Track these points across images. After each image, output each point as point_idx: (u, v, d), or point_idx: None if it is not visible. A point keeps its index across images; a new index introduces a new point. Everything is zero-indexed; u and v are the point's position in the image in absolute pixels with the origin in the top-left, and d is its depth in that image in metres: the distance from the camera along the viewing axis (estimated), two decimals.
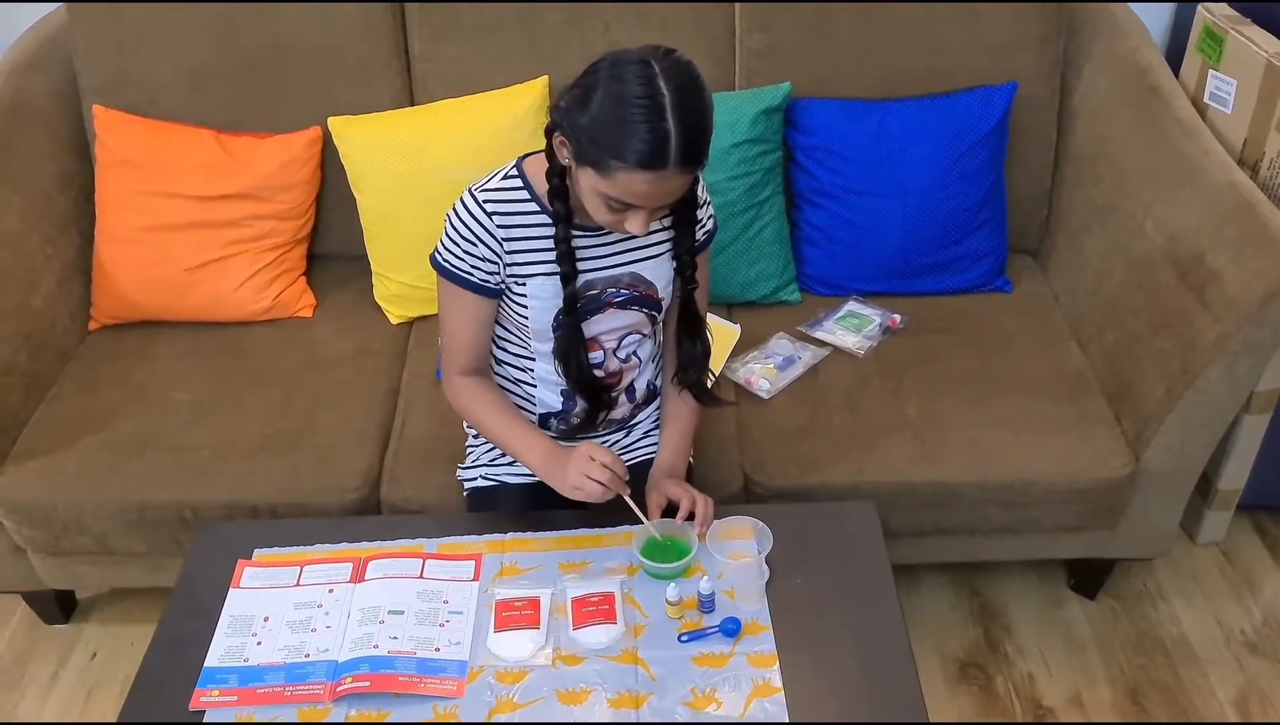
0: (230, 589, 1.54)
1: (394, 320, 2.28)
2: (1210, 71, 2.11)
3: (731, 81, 2.27)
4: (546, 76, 2.25)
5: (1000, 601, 2.21)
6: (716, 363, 2.06)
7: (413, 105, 2.33)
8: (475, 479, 1.78)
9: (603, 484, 1.49)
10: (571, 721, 1.36)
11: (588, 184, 1.39)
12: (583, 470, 1.50)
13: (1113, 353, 2.01)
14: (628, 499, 1.54)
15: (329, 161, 2.30)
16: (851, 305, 2.23)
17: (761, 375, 2.04)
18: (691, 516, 1.56)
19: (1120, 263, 2.05)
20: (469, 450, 1.84)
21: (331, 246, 2.39)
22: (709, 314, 2.14)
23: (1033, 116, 2.26)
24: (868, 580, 1.54)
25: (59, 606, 2.21)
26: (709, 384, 1.71)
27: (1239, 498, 2.22)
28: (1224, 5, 2.15)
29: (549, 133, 1.43)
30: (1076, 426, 1.94)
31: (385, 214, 2.24)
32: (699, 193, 1.57)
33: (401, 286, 2.26)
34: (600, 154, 1.33)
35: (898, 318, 2.18)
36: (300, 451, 1.94)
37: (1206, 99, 2.12)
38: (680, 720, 1.35)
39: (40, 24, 2.36)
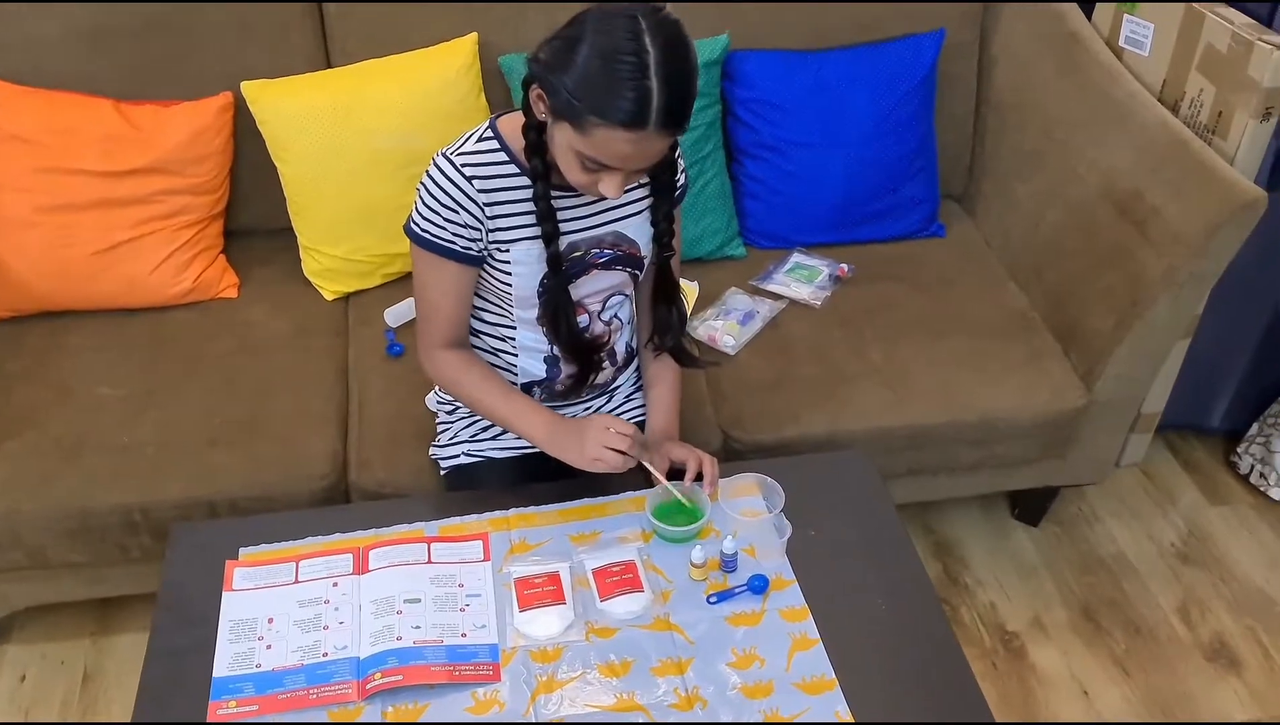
0: (224, 593, 1.43)
1: (329, 296, 2.16)
2: (1125, 16, 2.20)
3: None
4: (475, 34, 2.16)
5: (953, 536, 2.29)
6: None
7: (329, 67, 2.19)
8: (456, 457, 1.71)
9: (624, 453, 1.46)
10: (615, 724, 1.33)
11: (564, 141, 1.33)
12: (602, 441, 1.46)
13: (1055, 291, 2.10)
14: (649, 465, 1.51)
15: (242, 129, 2.15)
16: (797, 256, 2.25)
17: (725, 331, 2.04)
18: (699, 478, 1.55)
19: (1056, 206, 2.13)
20: (441, 427, 1.76)
21: (249, 220, 2.24)
22: None
23: (956, 64, 2.32)
24: (877, 526, 1.56)
25: None
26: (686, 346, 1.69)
27: (1158, 421, 2.36)
28: None
29: (526, 85, 1.36)
30: (1031, 363, 2.01)
31: (311, 184, 2.11)
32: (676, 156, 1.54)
33: (334, 260, 2.14)
34: (580, 110, 1.28)
35: (845, 267, 2.21)
36: (256, 441, 1.82)
37: (1122, 42, 2.22)
38: (730, 685, 1.34)
39: None
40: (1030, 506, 2.30)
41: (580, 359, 1.60)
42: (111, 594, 1.89)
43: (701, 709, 1.32)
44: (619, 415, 1.74)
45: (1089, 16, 2.29)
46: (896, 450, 1.94)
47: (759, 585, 1.45)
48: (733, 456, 1.90)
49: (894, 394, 1.94)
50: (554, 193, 1.46)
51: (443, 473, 1.74)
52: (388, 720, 1.31)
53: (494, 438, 1.69)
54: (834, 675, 1.35)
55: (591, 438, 1.47)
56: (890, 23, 2.25)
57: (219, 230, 2.19)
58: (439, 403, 1.77)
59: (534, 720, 1.30)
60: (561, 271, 1.50)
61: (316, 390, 1.94)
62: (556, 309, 1.52)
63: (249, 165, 2.17)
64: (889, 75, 2.21)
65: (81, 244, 2.02)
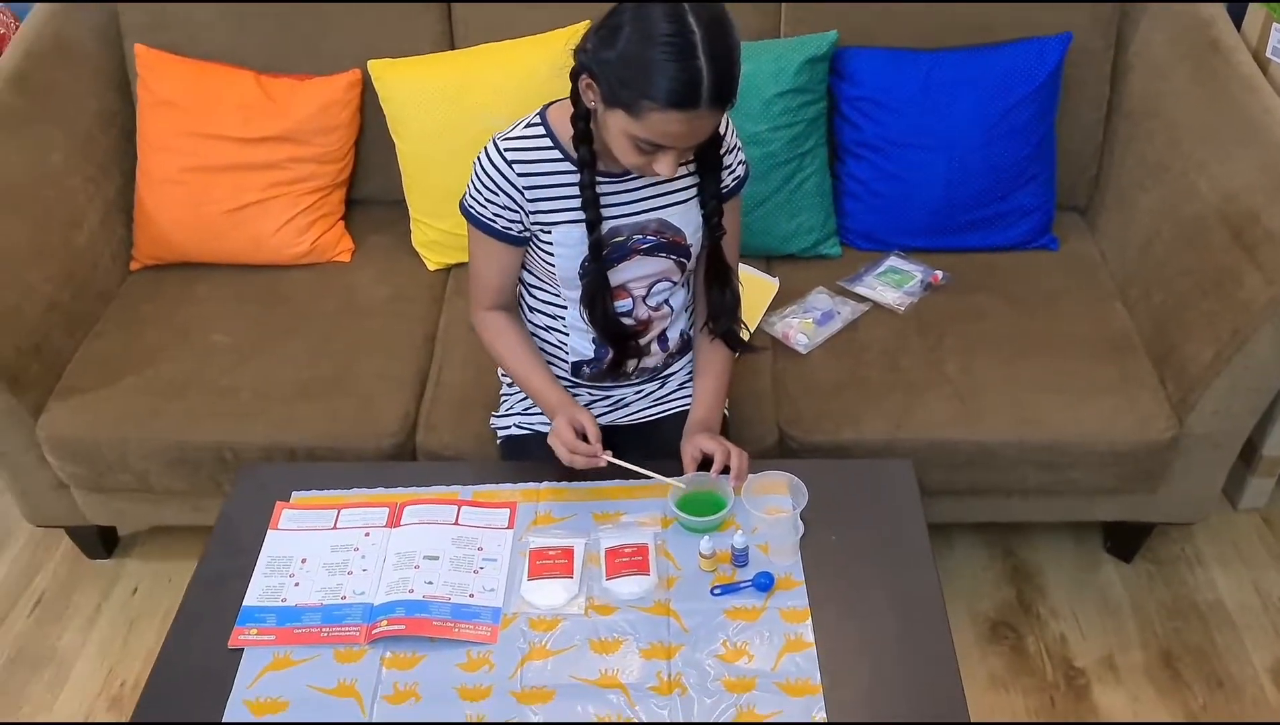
0: (269, 530, 1.56)
1: (431, 266, 2.28)
2: (1275, 25, 2.04)
3: (777, 29, 2.22)
4: (589, 21, 2.20)
5: (1034, 562, 2.19)
6: (753, 316, 2.06)
7: (453, 49, 2.30)
8: (509, 428, 1.79)
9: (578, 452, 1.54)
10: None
11: (618, 126, 1.37)
12: (556, 447, 1.55)
13: (1159, 313, 1.97)
14: (620, 463, 1.55)
15: (368, 105, 2.29)
16: (893, 260, 2.20)
17: (799, 330, 2.03)
18: (726, 470, 1.56)
19: (1171, 222, 2.00)
20: (503, 399, 1.84)
21: (369, 191, 2.38)
22: (748, 268, 2.15)
23: (1086, 70, 2.20)
24: (903, 539, 1.53)
25: (101, 542, 2.26)
26: (742, 333, 1.69)
27: None
28: None
29: (575, 76, 1.41)
30: (1120, 388, 1.90)
31: (424, 160, 2.23)
32: (727, 137, 1.55)
33: (439, 233, 2.25)
34: (631, 95, 1.31)
35: (939, 274, 2.15)
36: (338, 396, 1.96)
37: (1269, 54, 2.05)
38: (712, 677, 1.36)
39: None
40: (1124, 540, 2.17)
41: (614, 343, 1.64)
42: (209, 523, 2.06)
43: (680, 695, 1.34)
44: (671, 400, 1.77)
45: (1238, 26, 2.13)
46: (958, 466, 1.88)
47: (764, 583, 1.46)
48: (786, 454, 1.90)
49: (962, 407, 1.88)
50: (601, 177, 1.51)
51: (498, 442, 1.82)
52: (385, 665, 1.39)
53: (541, 412, 1.75)
54: (819, 680, 1.35)
55: (553, 433, 1.56)
56: (1012, 25, 2.16)
57: (340, 198, 2.34)
58: (503, 374, 1.85)
59: (517, 685, 1.36)
60: (602, 257, 1.54)
61: (403, 353, 2.05)
62: (594, 292, 1.57)
63: (372, 139, 2.31)
64: (1003, 78, 2.12)
65: (216, 202, 2.21)
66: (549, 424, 1.73)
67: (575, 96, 1.43)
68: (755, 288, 2.11)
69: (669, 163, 1.39)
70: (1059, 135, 2.22)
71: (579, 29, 2.20)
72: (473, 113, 2.17)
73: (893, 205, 2.21)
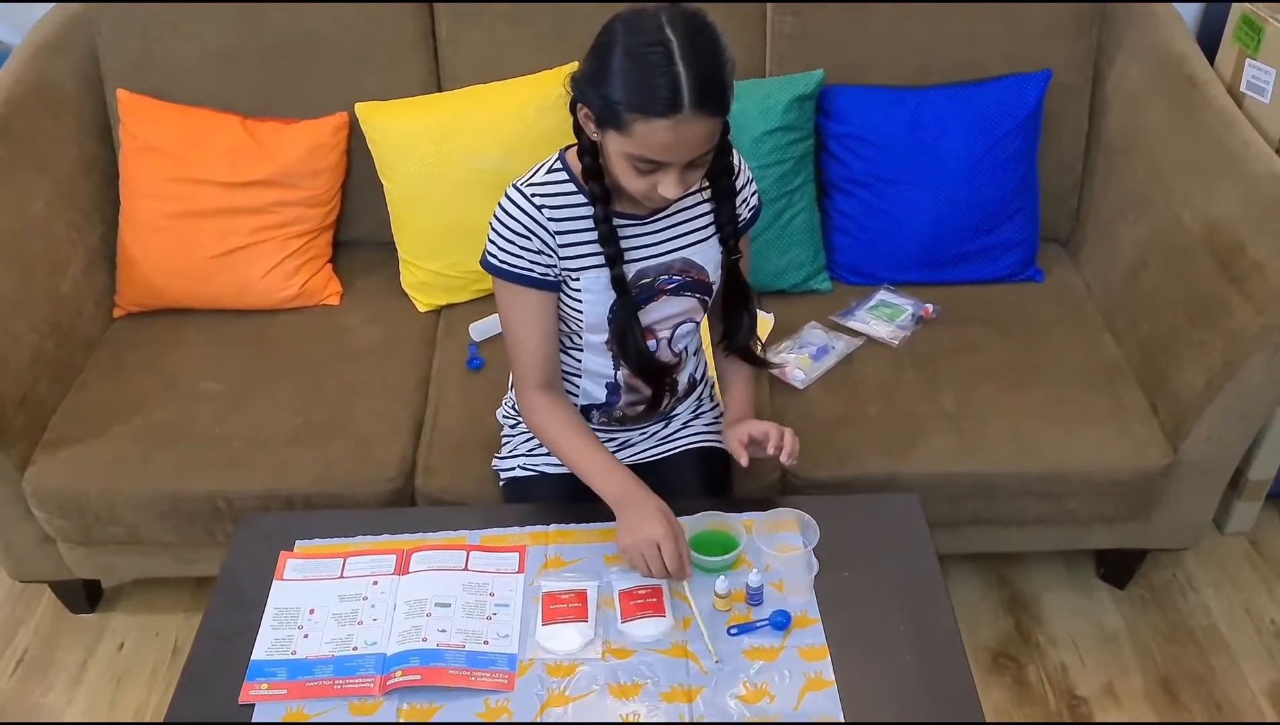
0: (274, 581, 1.53)
1: (422, 308, 2.27)
2: (1248, 60, 2.09)
3: (763, 68, 2.25)
4: (576, 62, 2.21)
5: (1030, 592, 2.21)
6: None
7: (440, 91, 2.30)
8: (513, 469, 1.77)
9: (654, 570, 1.46)
10: (625, 722, 1.35)
11: (614, 149, 1.36)
12: (648, 551, 1.44)
13: (1148, 343, 2.00)
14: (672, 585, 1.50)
15: (355, 147, 2.28)
16: (883, 294, 2.22)
17: (796, 365, 2.03)
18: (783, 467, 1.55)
19: (1157, 253, 2.04)
20: (505, 440, 1.82)
21: (357, 233, 2.37)
22: None
23: (1065, 105, 2.25)
24: (914, 573, 1.53)
25: (85, 596, 2.20)
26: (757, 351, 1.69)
27: (1269, 487, 2.22)
28: None
29: (573, 108, 1.41)
30: (1114, 417, 1.93)
31: (413, 201, 2.22)
32: (737, 166, 1.55)
33: (429, 274, 2.24)
34: (617, 111, 1.31)
35: (930, 307, 2.17)
36: (334, 442, 1.93)
37: (1244, 88, 2.11)
38: (734, 720, 1.34)
39: (64, 5, 2.33)
40: (1117, 567, 2.19)
41: (650, 380, 1.63)
42: (203, 574, 2.02)
43: None
44: (674, 441, 1.76)
45: (1211, 61, 2.18)
46: (960, 498, 1.89)
47: (781, 621, 1.45)
48: (789, 491, 1.90)
49: (961, 440, 1.90)
50: (621, 220, 1.51)
51: (501, 484, 1.80)
52: (401, 717, 1.37)
53: (548, 453, 1.74)
54: (842, 719, 1.34)
55: (644, 538, 1.45)
56: (994, 62, 2.20)
57: (328, 241, 2.32)
58: (504, 416, 1.84)
59: None
60: (629, 294, 1.53)
61: (397, 397, 2.03)
62: (624, 327, 1.55)
63: (360, 182, 2.30)
64: (988, 115, 2.16)
65: (202, 247, 2.19)
66: (556, 465, 1.73)
67: (578, 130, 1.43)
68: None
69: (671, 182, 1.37)
70: (1040, 169, 2.26)
71: (566, 70, 2.20)
72: (461, 154, 2.17)
73: (881, 240, 2.24)
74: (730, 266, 1.60)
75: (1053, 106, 2.23)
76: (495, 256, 1.52)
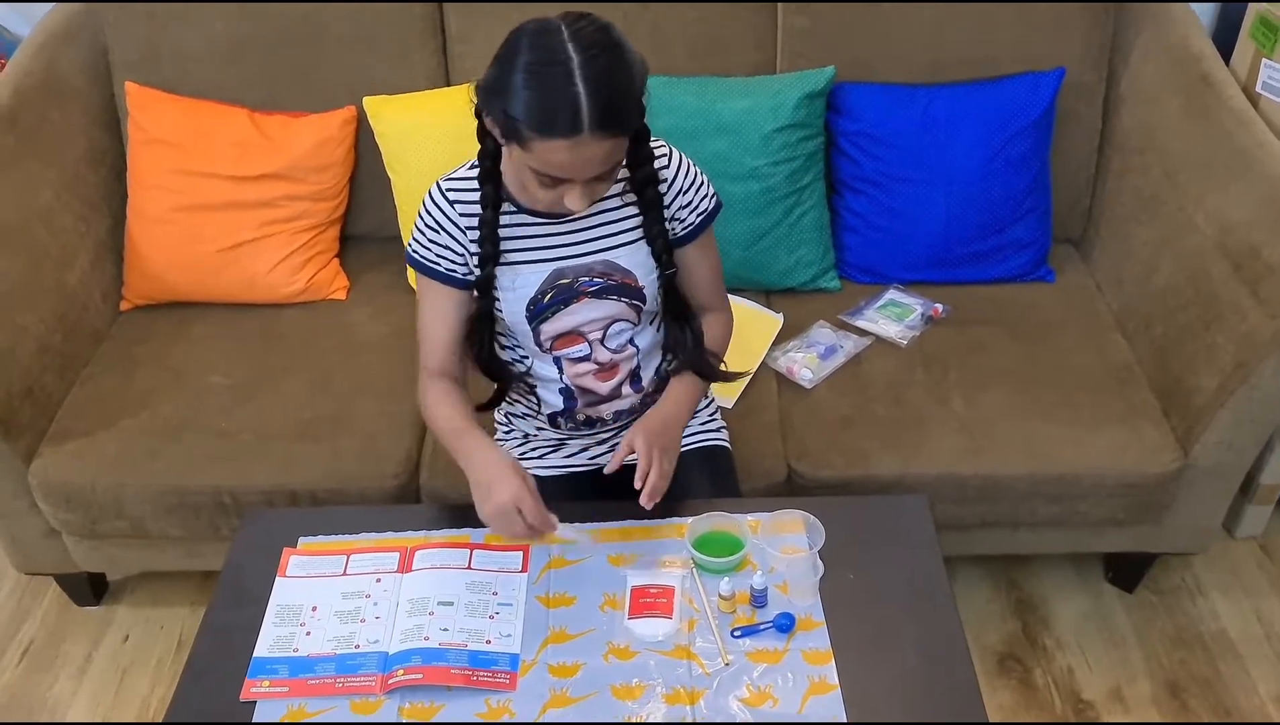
0: (277, 578, 1.53)
1: None
2: (1264, 60, 2.07)
3: (773, 65, 2.23)
4: None
5: (1038, 594, 2.19)
6: (757, 352, 2.05)
7: (449, 85, 2.29)
8: None
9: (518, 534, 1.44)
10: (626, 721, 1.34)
11: (518, 160, 1.35)
12: (505, 517, 1.42)
13: (1161, 345, 1.99)
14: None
15: (363, 141, 2.27)
16: (892, 294, 2.21)
17: (804, 364, 2.02)
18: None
19: (1169, 255, 2.02)
20: (500, 442, 1.81)
21: (365, 228, 2.36)
22: (752, 303, 2.15)
23: (1078, 103, 2.23)
24: (921, 576, 1.51)
25: (91, 588, 2.20)
26: (717, 366, 1.64)
27: None
28: None
29: (479, 114, 1.39)
30: (1125, 420, 1.91)
31: (421, 195, 2.19)
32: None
33: None
34: (518, 127, 1.29)
35: (940, 307, 2.15)
36: (340, 437, 1.93)
37: (1259, 88, 2.09)
38: (737, 722, 1.34)
39: None
40: (1126, 571, 2.18)
41: (493, 379, 1.62)
42: (208, 568, 2.03)
43: None
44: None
45: (1227, 61, 2.16)
46: (968, 500, 1.88)
47: (785, 624, 1.44)
48: (797, 491, 1.88)
49: (970, 441, 1.88)
50: (536, 219, 1.49)
51: None
52: (403, 716, 1.36)
53: (540, 457, 1.73)
54: (846, 723, 1.33)
55: (497, 505, 1.42)
56: (1006, 60, 2.18)
57: (335, 235, 2.32)
58: (499, 422, 1.82)
59: None
60: (489, 295, 1.52)
61: (403, 393, 2.01)
62: (479, 326, 1.55)
63: (368, 176, 2.30)
64: (1000, 113, 2.14)
65: (209, 241, 2.18)
66: (549, 468, 1.71)
67: (482, 133, 1.42)
68: (759, 324, 2.11)
69: (576, 196, 1.35)
70: (1053, 168, 2.24)
71: None
72: (470, 147, 2.13)
73: (891, 239, 2.22)
74: (666, 283, 1.56)
75: (1066, 105, 2.21)
76: (411, 247, 1.55)
